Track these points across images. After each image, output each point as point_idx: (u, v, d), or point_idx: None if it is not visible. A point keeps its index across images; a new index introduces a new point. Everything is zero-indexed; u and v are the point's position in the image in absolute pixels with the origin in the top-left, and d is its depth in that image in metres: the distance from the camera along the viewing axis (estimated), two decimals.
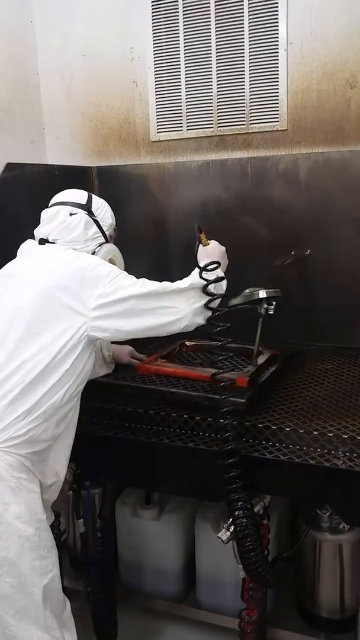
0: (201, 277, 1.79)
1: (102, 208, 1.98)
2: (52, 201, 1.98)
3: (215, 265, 1.82)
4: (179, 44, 2.79)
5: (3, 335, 1.65)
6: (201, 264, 1.81)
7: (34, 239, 1.93)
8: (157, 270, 2.17)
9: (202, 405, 1.99)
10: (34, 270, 1.76)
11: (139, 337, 1.80)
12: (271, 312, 2.11)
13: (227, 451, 1.76)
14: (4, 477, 1.58)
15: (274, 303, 2.12)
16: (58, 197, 1.97)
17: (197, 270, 1.81)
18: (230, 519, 1.79)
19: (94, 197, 1.98)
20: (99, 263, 1.76)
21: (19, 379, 1.60)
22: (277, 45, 2.61)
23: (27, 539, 1.58)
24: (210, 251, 1.90)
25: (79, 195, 1.95)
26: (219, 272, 1.85)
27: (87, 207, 1.92)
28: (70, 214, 1.88)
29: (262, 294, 2.08)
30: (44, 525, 1.65)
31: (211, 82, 2.77)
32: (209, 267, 1.81)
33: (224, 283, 1.85)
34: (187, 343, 2.54)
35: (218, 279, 1.81)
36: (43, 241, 1.87)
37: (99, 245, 1.91)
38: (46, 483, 1.74)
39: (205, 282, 1.78)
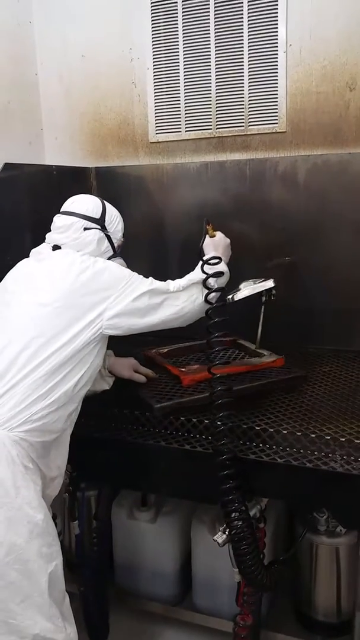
0: (202, 271, 1.89)
1: (114, 221, 2.04)
2: (67, 207, 2.00)
3: (217, 260, 1.91)
4: (178, 45, 2.79)
5: (31, 330, 1.73)
6: (207, 256, 1.91)
7: (44, 242, 2.00)
8: (155, 270, 2.16)
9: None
10: (55, 271, 1.84)
11: (147, 331, 1.90)
12: (273, 297, 2.26)
13: (220, 448, 1.77)
14: (16, 462, 1.63)
15: (274, 290, 2.25)
16: (73, 206, 1.99)
17: (198, 266, 1.91)
18: (226, 522, 1.78)
19: (107, 209, 2.03)
20: (115, 267, 1.87)
21: (42, 369, 1.70)
22: (277, 46, 2.61)
23: (37, 525, 1.62)
24: (217, 242, 2.00)
25: (93, 207, 1.99)
26: (222, 267, 1.93)
27: (101, 222, 1.98)
28: (85, 229, 1.94)
29: (271, 283, 2.22)
30: (49, 514, 1.70)
31: (210, 83, 2.77)
32: (211, 262, 1.90)
33: (224, 277, 1.94)
34: (162, 350, 2.47)
35: (218, 273, 1.90)
36: (57, 247, 1.94)
37: (108, 259, 1.98)
38: (50, 475, 1.78)
39: (205, 276, 1.88)
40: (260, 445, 1.85)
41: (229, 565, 1.87)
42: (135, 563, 2.58)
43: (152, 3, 2.79)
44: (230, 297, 2.05)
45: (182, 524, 2.52)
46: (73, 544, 2.45)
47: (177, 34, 2.78)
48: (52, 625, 1.61)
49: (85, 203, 2.00)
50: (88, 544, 2.39)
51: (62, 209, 2.01)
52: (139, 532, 2.53)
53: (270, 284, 2.21)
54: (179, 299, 1.88)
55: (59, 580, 1.67)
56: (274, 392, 2.16)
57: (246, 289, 2.15)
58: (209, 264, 1.90)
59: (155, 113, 2.91)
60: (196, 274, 1.92)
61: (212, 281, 1.89)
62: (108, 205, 2.05)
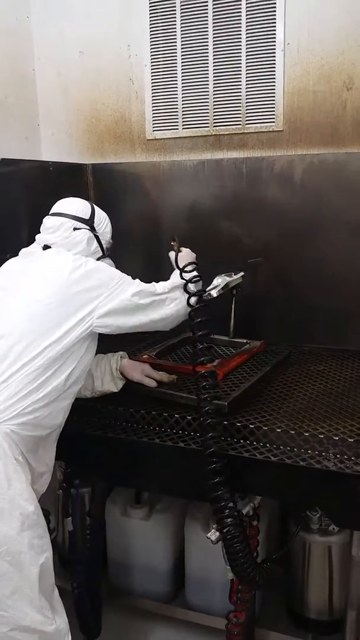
0: (182, 278, 1.99)
1: (103, 223, 2.10)
2: (56, 209, 2.06)
3: (193, 267, 2.01)
4: (176, 42, 2.78)
5: (24, 325, 1.76)
6: (182, 265, 2.01)
7: (34, 242, 2.04)
8: (150, 267, 2.18)
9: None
10: (48, 269, 1.89)
11: (134, 331, 1.96)
12: (240, 289, 2.36)
13: (208, 440, 1.77)
14: (8, 454, 1.65)
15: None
16: (62, 207, 2.05)
17: (176, 272, 2.03)
18: (217, 519, 1.78)
19: (96, 211, 2.09)
20: (106, 267, 1.94)
21: (35, 363, 1.72)
22: (274, 45, 2.60)
23: (28, 517, 1.64)
24: (185, 256, 2.09)
25: (82, 209, 2.05)
26: (196, 273, 2.03)
27: (90, 223, 2.04)
28: (74, 229, 1.99)
29: (240, 275, 2.33)
30: (39, 506, 1.72)
31: (207, 81, 2.76)
32: (188, 269, 1.99)
33: (200, 283, 2.04)
34: (152, 354, 2.43)
35: (197, 278, 2.00)
36: (47, 247, 1.98)
37: (97, 260, 2.02)
38: (39, 470, 1.80)
39: (185, 281, 1.98)
40: (254, 443, 1.85)
41: (222, 562, 1.87)
42: (128, 560, 2.59)
43: (150, 0, 2.79)
44: (207, 293, 2.09)
45: (175, 521, 2.52)
46: (66, 540, 2.45)
47: (175, 31, 2.77)
48: (42, 617, 1.62)
49: (74, 204, 2.06)
50: (81, 541, 2.39)
51: (51, 211, 2.06)
52: (133, 530, 2.53)
53: (240, 275, 2.33)
54: (166, 302, 1.96)
55: (49, 572, 1.69)
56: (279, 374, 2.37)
57: (223, 283, 2.20)
58: (186, 271, 1.99)
59: (153, 110, 2.90)
60: (178, 279, 2.01)
61: (191, 286, 1.98)
62: (97, 208, 2.11)
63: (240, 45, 2.66)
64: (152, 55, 2.84)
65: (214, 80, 2.75)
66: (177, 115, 2.86)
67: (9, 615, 1.59)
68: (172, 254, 2.10)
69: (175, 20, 2.76)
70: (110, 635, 2.46)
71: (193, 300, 1.96)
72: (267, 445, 1.83)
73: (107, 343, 2.05)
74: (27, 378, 1.71)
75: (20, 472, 1.67)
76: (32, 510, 1.65)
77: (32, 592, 1.61)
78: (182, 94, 2.83)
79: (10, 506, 1.61)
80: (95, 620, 2.42)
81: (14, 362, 1.71)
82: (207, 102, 2.79)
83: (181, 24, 2.75)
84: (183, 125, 2.86)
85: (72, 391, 1.86)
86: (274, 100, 2.66)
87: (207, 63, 2.74)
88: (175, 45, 2.79)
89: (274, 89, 2.65)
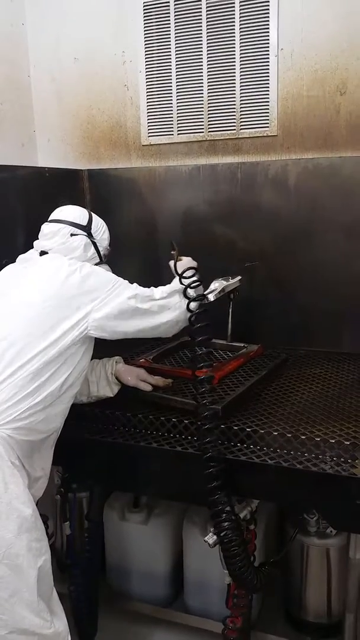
0: (181, 283, 1.97)
1: (100, 230, 2.11)
2: (54, 216, 2.08)
3: (193, 272, 1.99)
4: (170, 48, 2.80)
5: (19, 329, 1.77)
6: (180, 270, 2.00)
7: (32, 248, 2.06)
8: (146, 273, 2.18)
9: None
10: (44, 274, 1.90)
11: (132, 337, 1.96)
12: (238, 293, 2.35)
13: (205, 444, 1.77)
14: (4, 458, 1.66)
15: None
16: (60, 214, 2.07)
17: (176, 279, 2.01)
18: (214, 523, 1.79)
19: (94, 218, 2.10)
20: (102, 271, 1.95)
21: (29, 367, 1.73)
22: (268, 50, 2.62)
23: (26, 519, 1.64)
24: (185, 264, 2.07)
25: (80, 216, 2.07)
26: (197, 277, 2.02)
27: (87, 229, 2.05)
28: (72, 235, 2.00)
29: (238, 279, 2.32)
30: (37, 510, 1.72)
31: (202, 86, 2.78)
32: (187, 274, 1.98)
33: (201, 287, 2.03)
34: (149, 358, 2.44)
35: (197, 283, 1.98)
36: (44, 253, 2.00)
37: (95, 265, 2.02)
38: (34, 475, 1.80)
39: (184, 286, 1.97)
40: (251, 446, 1.86)
41: (220, 566, 1.87)
42: (126, 564, 2.59)
43: (144, 6, 2.80)
44: (204, 297, 2.08)
45: (173, 525, 2.53)
46: (65, 545, 2.45)
47: (170, 37, 2.79)
48: (41, 620, 1.63)
49: (72, 211, 2.08)
50: (79, 545, 2.39)
51: (49, 218, 2.07)
52: (131, 534, 2.54)
53: (237, 280, 2.32)
54: (164, 307, 1.95)
55: (47, 575, 1.69)
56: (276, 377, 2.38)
57: (220, 287, 2.20)
58: (185, 277, 1.98)
59: (148, 116, 2.92)
60: (177, 284, 2.00)
61: (191, 291, 1.97)
62: (95, 215, 2.12)
63: (234, 51, 2.68)
64: (146, 61, 2.86)
65: (209, 85, 2.77)
66: (172, 120, 2.87)
67: (7, 618, 1.59)
68: (171, 263, 2.08)
69: (169, 26, 2.78)
70: (109, 638, 2.45)
71: (193, 305, 1.95)
72: (264, 448, 1.84)
73: (104, 348, 2.06)
74: (22, 382, 1.71)
75: (17, 475, 1.67)
76: (30, 513, 1.66)
77: (30, 595, 1.62)
78: (177, 99, 2.84)
79: (8, 509, 1.62)
80: (90, 621, 2.43)
81: (8, 365, 1.71)
82: (202, 107, 2.80)
83: (175, 30, 2.77)
84: (178, 130, 2.87)
85: (68, 396, 1.86)
86: (268, 105, 2.68)
87: (202, 69, 2.76)
88: (170, 51, 2.80)
89: (268, 94, 2.67)
